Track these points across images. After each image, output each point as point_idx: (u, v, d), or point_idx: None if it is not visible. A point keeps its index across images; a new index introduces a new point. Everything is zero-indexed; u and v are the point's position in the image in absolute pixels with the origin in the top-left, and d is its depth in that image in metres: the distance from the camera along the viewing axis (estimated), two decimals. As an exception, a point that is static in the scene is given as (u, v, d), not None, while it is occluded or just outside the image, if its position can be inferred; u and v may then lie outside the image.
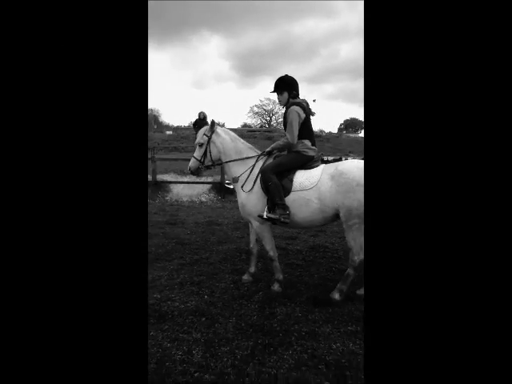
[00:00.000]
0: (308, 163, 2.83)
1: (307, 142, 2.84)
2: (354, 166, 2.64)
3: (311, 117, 2.91)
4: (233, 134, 3.16)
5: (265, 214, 2.73)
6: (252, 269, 3.20)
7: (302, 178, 2.74)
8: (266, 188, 2.74)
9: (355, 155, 11.86)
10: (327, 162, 3.13)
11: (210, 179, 8.94)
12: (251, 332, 2.28)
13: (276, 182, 2.70)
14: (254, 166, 2.95)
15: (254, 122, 42.29)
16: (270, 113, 40.18)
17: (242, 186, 2.95)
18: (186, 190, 8.55)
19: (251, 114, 42.13)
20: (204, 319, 2.45)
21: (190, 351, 2.07)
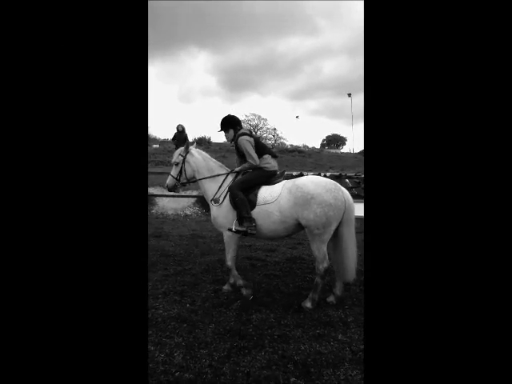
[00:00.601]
0: (271, 178, 3.18)
1: (267, 157, 3.22)
2: (309, 181, 2.94)
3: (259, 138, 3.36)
4: (205, 154, 3.51)
5: (233, 228, 3.02)
6: (232, 279, 3.42)
7: (265, 193, 3.06)
8: (234, 203, 3.05)
9: (335, 171, 12.29)
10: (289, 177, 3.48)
11: (195, 193, 9.13)
12: (228, 336, 2.49)
13: (242, 197, 3.01)
14: (223, 181, 3.28)
15: (239, 136, 42.68)
16: (255, 128, 40.85)
17: (211, 201, 3.26)
18: (172, 203, 8.73)
19: (237, 128, 42.55)
20: (185, 325, 2.64)
21: (171, 353, 2.27)
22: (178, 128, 10.21)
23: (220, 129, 3.35)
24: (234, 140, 3.27)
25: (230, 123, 3.31)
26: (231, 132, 3.30)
